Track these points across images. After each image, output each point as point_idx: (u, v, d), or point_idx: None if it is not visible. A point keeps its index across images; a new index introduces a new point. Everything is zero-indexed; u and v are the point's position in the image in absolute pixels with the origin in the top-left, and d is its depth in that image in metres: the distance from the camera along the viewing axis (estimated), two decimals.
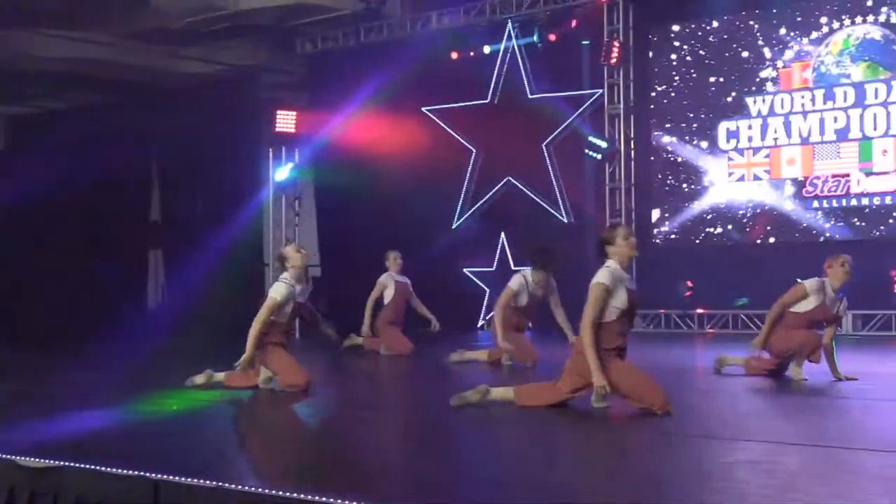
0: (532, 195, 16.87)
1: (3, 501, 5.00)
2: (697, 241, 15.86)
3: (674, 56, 16.11)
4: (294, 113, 16.95)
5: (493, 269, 17.18)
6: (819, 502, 4.22)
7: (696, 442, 5.84)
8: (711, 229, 15.74)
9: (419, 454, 5.72)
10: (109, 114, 19.08)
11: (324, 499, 4.15)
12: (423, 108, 17.74)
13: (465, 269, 17.42)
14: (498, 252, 17.18)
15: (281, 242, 17.10)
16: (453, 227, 17.56)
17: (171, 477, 4.58)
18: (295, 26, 18.03)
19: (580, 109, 16.44)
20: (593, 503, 4.34)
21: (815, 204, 14.84)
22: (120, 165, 18.92)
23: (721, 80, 15.67)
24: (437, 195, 17.13)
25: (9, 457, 5.16)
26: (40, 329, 16.29)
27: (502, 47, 16.98)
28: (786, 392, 8.20)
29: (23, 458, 5.08)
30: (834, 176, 14.71)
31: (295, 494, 4.25)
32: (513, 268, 16.80)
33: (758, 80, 15.37)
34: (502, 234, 17.16)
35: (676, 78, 16.09)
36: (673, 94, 16.14)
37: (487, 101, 17.36)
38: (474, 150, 17.57)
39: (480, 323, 17.21)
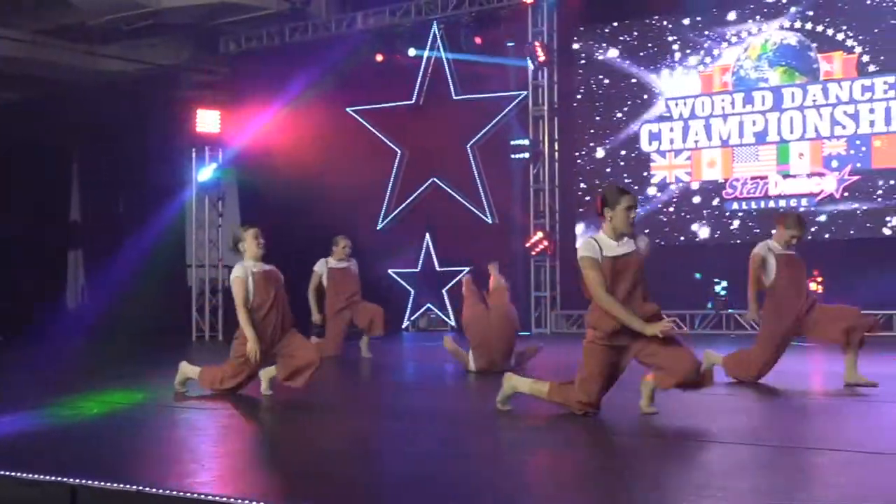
0: (457, 196, 16.92)
1: None
2: None
3: (599, 58, 16.28)
4: (217, 113, 16.77)
5: (418, 269, 17.20)
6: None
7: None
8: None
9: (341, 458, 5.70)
10: (28, 112, 18.69)
11: (240, 500, 4.15)
12: (348, 109, 17.71)
13: (389, 271, 17.41)
14: (423, 253, 17.21)
15: (204, 244, 16.96)
16: (378, 228, 17.55)
17: (88, 482, 4.52)
18: (219, 25, 17.88)
19: (505, 111, 16.56)
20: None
21: (735, 206, 15.13)
22: (39, 164, 18.58)
23: (643, 83, 15.90)
24: (361, 196, 17.12)
25: None
26: None
27: (426, 55, 17.02)
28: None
29: None
30: (753, 178, 15.02)
31: (215, 497, 4.22)
32: (437, 269, 16.89)
33: (679, 83, 15.61)
34: (427, 235, 17.20)
35: (601, 79, 16.27)
36: (597, 96, 16.32)
37: (412, 101, 17.38)
38: (399, 151, 17.58)
39: (405, 324, 17.22)
